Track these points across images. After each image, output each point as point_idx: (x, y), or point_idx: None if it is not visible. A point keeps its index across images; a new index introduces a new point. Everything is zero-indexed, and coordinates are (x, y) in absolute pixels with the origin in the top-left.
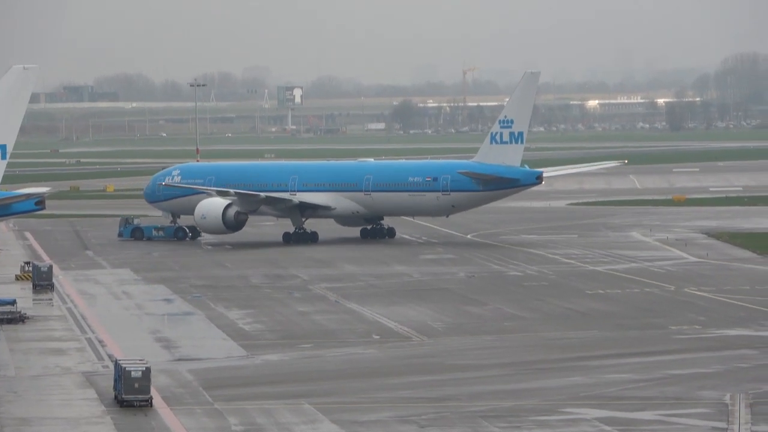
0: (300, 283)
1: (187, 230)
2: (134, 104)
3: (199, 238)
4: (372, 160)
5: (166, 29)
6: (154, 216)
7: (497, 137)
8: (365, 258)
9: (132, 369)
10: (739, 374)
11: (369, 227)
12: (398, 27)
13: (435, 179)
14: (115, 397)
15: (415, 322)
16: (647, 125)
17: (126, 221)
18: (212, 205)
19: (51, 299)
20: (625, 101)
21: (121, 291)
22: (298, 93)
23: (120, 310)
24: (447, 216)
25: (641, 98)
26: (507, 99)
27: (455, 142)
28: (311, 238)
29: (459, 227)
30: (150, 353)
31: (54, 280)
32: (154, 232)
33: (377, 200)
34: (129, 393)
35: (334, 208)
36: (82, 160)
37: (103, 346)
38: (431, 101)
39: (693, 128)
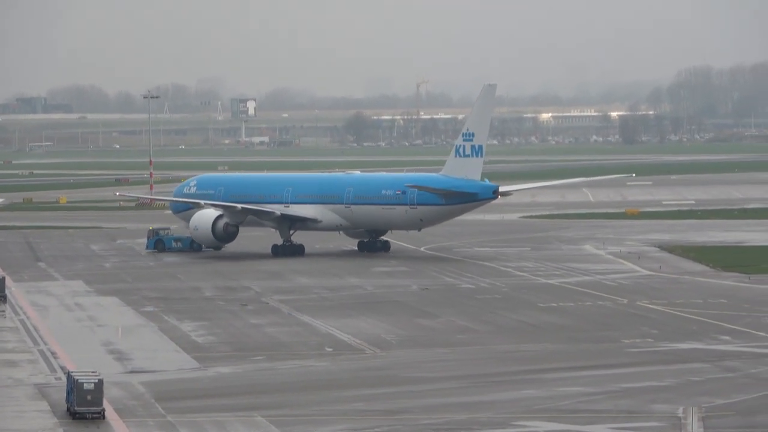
0: (253, 296)
1: None
2: (88, 116)
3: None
4: (358, 172)
5: (120, 40)
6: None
7: (461, 150)
8: (318, 270)
9: (84, 381)
10: (691, 387)
11: (366, 240)
12: (352, 39)
13: (403, 192)
14: (68, 409)
15: (368, 334)
16: (601, 138)
17: (155, 233)
18: (203, 218)
19: (3, 311)
20: (579, 114)
21: (73, 303)
22: (251, 105)
23: (72, 322)
24: (419, 230)
25: (595, 111)
26: (460, 112)
27: (409, 155)
28: (297, 251)
29: (413, 240)
30: (102, 365)
31: (6, 292)
32: (174, 244)
33: (356, 213)
34: (81, 405)
35: (321, 221)
36: (35, 171)
37: (55, 357)
38: (385, 114)
39: (646, 141)
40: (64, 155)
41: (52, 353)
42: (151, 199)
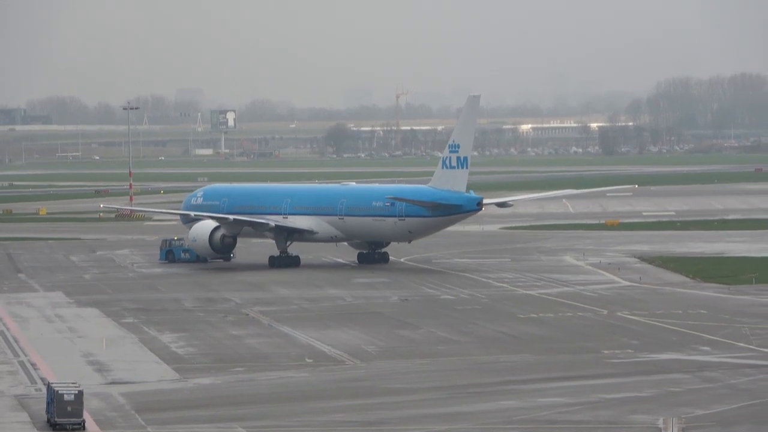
0: (233, 307)
1: None
2: (67, 127)
3: (232, 258)
4: (354, 183)
5: (100, 52)
6: None
7: (447, 162)
8: (298, 281)
9: (65, 392)
10: (671, 398)
11: (366, 252)
12: (332, 50)
13: (392, 204)
14: (48, 420)
15: (348, 345)
16: (580, 150)
17: (167, 244)
18: (201, 229)
19: None
20: (558, 125)
21: (53, 314)
22: (231, 116)
23: (53, 333)
24: (409, 242)
25: (574, 123)
26: (440, 123)
27: (389, 166)
28: (293, 263)
29: (393, 251)
30: (83, 376)
31: None
32: (182, 254)
33: (349, 224)
34: (62, 416)
35: (317, 232)
36: (15, 183)
37: (35, 369)
38: (365, 125)
39: (626, 153)
40: (43, 167)
41: (32, 364)
42: (131, 211)
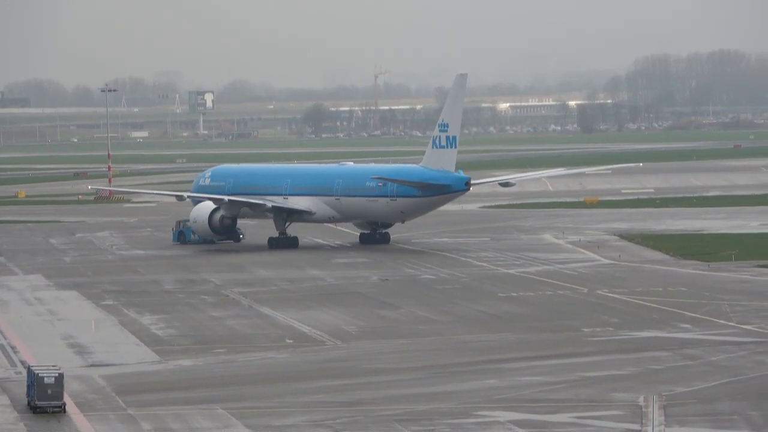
0: (213, 288)
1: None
2: (45, 110)
3: (241, 239)
4: (351, 163)
5: (77, 34)
6: None
7: (437, 141)
8: (279, 262)
9: (45, 375)
10: (652, 376)
11: (367, 232)
12: (310, 30)
13: (384, 184)
14: (28, 403)
15: (329, 326)
16: (559, 128)
17: (179, 225)
18: (201, 210)
19: None
20: (537, 104)
21: (33, 297)
22: (209, 97)
23: (32, 316)
24: (402, 222)
25: (552, 101)
26: (418, 102)
27: (367, 146)
28: (292, 243)
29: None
30: (63, 359)
31: None
32: (192, 236)
33: (345, 205)
34: (42, 399)
35: (314, 213)
36: None
37: (15, 352)
38: (343, 105)
39: (605, 130)
40: (22, 149)
41: (12, 348)
42: (117, 193)
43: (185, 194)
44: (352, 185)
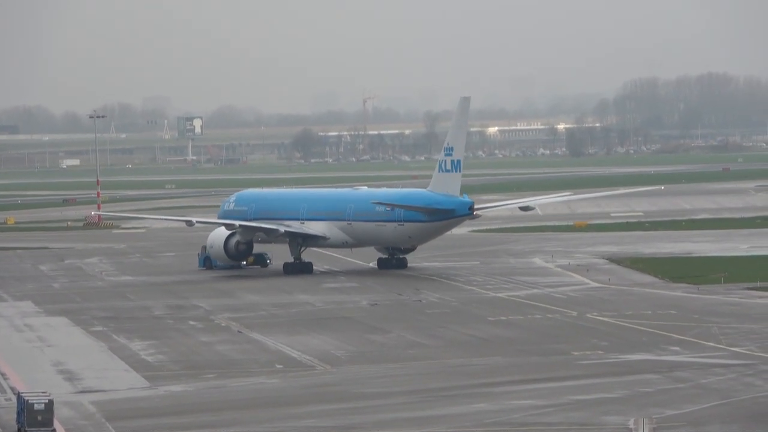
0: (202, 314)
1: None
2: (34, 136)
3: (268, 264)
4: (365, 187)
5: (66, 60)
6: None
7: (443, 165)
8: (267, 287)
9: (35, 401)
10: (642, 399)
11: (385, 257)
12: (298, 55)
13: (392, 209)
14: (18, 430)
15: (319, 350)
16: (548, 151)
17: (205, 250)
18: (217, 236)
19: None
20: (525, 128)
21: (22, 323)
22: (198, 123)
23: (22, 343)
24: (413, 248)
25: (541, 124)
26: (407, 126)
27: (356, 171)
28: (306, 269)
29: (361, 256)
30: (53, 385)
31: None
32: (218, 261)
33: (356, 230)
34: (32, 425)
35: (329, 238)
36: None
37: (5, 378)
38: (332, 130)
39: (593, 154)
40: (11, 176)
41: (2, 374)
42: (120, 218)
43: (194, 219)
44: (363, 210)
